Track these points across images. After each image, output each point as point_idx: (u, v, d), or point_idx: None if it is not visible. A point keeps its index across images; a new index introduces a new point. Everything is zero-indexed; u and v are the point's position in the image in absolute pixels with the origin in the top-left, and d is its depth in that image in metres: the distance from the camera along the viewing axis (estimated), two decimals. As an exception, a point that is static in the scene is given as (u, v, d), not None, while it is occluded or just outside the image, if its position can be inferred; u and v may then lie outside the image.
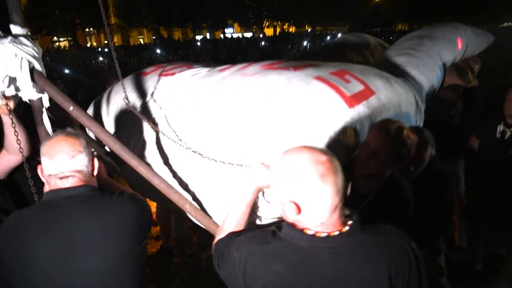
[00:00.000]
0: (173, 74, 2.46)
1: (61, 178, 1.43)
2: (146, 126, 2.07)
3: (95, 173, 1.54)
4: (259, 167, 1.47)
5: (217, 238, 1.44)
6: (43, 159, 1.45)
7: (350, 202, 1.81)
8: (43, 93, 1.74)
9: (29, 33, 1.71)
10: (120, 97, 2.32)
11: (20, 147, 1.75)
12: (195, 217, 1.75)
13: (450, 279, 2.72)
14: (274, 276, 1.16)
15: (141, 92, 2.41)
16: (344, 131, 1.78)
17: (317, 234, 1.14)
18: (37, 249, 1.34)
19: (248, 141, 1.75)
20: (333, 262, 1.13)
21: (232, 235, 1.36)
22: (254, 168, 1.49)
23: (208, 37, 41.79)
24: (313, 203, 1.12)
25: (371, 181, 1.82)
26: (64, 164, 1.42)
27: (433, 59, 3.03)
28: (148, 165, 1.81)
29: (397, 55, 3.02)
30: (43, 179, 1.50)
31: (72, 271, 1.35)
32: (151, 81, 2.48)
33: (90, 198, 1.45)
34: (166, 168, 1.93)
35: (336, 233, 1.15)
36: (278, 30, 41.34)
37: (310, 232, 1.15)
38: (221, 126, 1.84)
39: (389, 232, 1.23)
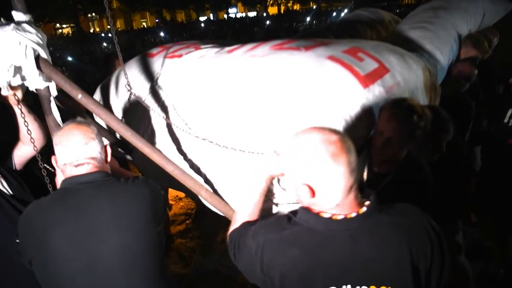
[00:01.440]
0: (180, 56, 2.39)
1: (76, 165, 1.44)
2: (154, 113, 2.03)
3: (109, 159, 1.55)
4: (271, 154, 1.43)
5: (231, 229, 1.41)
6: (57, 149, 1.46)
7: (368, 183, 1.79)
8: (50, 81, 1.69)
9: (32, 19, 1.66)
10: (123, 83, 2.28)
11: (31, 138, 1.74)
12: (211, 203, 1.72)
13: (467, 256, 2.69)
14: (291, 262, 1.13)
15: (148, 76, 2.35)
16: (359, 112, 1.72)
17: (334, 217, 1.12)
18: (58, 235, 1.36)
19: (260, 127, 1.71)
20: (351, 244, 1.10)
21: (247, 224, 1.33)
22: (266, 156, 1.45)
23: (211, 18, 41.19)
24: (327, 185, 1.09)
25: (388, 163, 1.78)
26: (78, 152, 1.43)
27: (448, 31, 2.90)
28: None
29: (410, 29, 2.90)
30: (57, 169, 1.51)
31: (93, 255, 1.37)
32: (157, 64, 2.41)
33: (106, 182, 1.47)
34: (177, 154, 1.90)
35: (353, 214, 1.12)
36: (282, 8, 40.56)
37: (326, 215, 1.12)
38: (231, 111, 1.79)
39: (408, 211, 1.19)
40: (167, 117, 1.97)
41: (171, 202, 4.51)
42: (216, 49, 2.33)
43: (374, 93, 1.79)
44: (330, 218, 1.12)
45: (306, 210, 1.16)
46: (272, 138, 1.66)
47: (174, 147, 1.92)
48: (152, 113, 2.06)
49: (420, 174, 1.77)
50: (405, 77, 2.01)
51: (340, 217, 1.11)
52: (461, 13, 3.07)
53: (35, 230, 1.39)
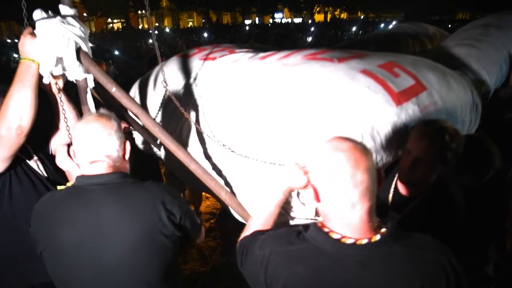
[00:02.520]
0: (214, 58, 2.42)
1: (91, 162, 1.42)
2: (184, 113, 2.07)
3: (127, 156, 1.52)
4: (294, 167, 1.41)
5: (242, 235, 1.40)
6: (74, 141, 1.45)
7: (393, 206, 1.72)
8: (88, 73, 1.77)
9: (84, 14, 1.73)
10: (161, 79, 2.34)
11: (67, 125, 1.81)
12: (230, 205, 1.73)
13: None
14: (295, 278, 1.10)
15: (181, 76, 2.41)
16: (389, 130, 1.66)
17: (343, 240, 1.08)
18: (66, 232, 1.36)
19: (286, 138, 1.68)
20: (359, 272, 1.05)
21: (257, 233, 1.32)
22: (288, 168, 1.43)
23: (257, 21, 41.57)
24: (328, 192, 1.09)
25: (416, 187, 1.68)
26: (94, 148, 1.41)
27: (499, 51, 2.75)
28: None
29: (456, 45, 2.78)
30: (75, 162, 1.51)
31: (100, 256, 1.36)
32: (192, 65, 2.46)
33: (119, 185, 1.43)
34: (201, 155, 1.92)
35: (364, 241, 1.06)
36: (329, 16, 40.26)
37: (335, 236, 1.09)
38: (257, 121, 1.78)
39: (427, 245, 1.11)
40: (196, 119, 2.00)
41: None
42: (250, 55, 2.34)
43: (407, 111, 1.72)
44: (339, 240, 1.08)
45: (317, 227, 1.13)
46: (298, 150, 1.63)
47: (199, 147, 1.94)
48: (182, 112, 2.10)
49: (451, 203, 1.66)
50: (443, 96, 1.91)
51: (350, 241, 1.07)
52: (514, 33, 2.91)
53: (45, 224, 1.40)
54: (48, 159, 1.89)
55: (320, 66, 1.89)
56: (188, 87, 2.29)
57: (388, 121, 1.67)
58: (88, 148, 1.41)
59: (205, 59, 2.45)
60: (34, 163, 1.84)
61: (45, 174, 1.86)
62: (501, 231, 2.54)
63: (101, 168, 1.43)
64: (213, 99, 2.04)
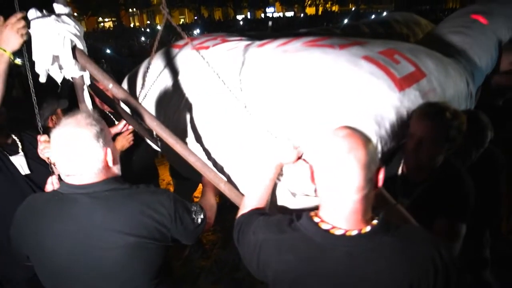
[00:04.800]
0: (207, 47, 2.37)
1: (72, 175, 1.34)
2: (180, 105, 2.07)
3: (112, 163, 1.40)
4: (284, 142, 1.46)
5: (239, 213, 1.44)
6: (52, 151, 1.36)
7: (401, 191, 1.75)
8: (85, 71, 1.78)
9: (75, 13, 1.75)
10: (154, 72, 2.33)
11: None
12: (230, 196, 1.76)
13: (494, 270, 2.59)
14: (285, 265, 1.14)
15: (174, 67, 2.36)
16: (392, 116, 1.67)
17: (332, 231, 1.09)
18: (52, 242, 1.33)
19: (290, 123, 1.67)
20: (347, 261, 1.07)
21: (253, 213, 1.36)
22: (278, 143, 1.48)
23: (249, 16, 41.42)
24: (321, 176, 1.10)
25: (422, 170, 1.71)
26: (75, 163, 1.31)
27: (489, 38, 2.77)
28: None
29: (448, 33, 2.79)
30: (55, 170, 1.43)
31: (88, 265, 1.34)
32: (182, 55, 2.41)
33: (104, 195, 1.36)
34: (198, 147, 1.93)
35: (354, 232, 1.07)
36: (320, 9, 40.17)
37: (325, 227, 1.10)
38: (260, 109, 1.77)
39: (415, 237, 1.13)
40: (189, 108, 2.00)
41: (195, 196, 4.59)
42: (246, 42, 2.30)
43: (409, 97, 1.74)
44: (328, 231, 1.09)
45: (308, 217, 1.15)
46: (305, 136, 1.62)
47: (195, 138, 1.96)
48: (177, 104, 2.10)
49: (462, 187, 1.66)
50: (442, 83, 1.95)
51: (339, 232, 1.08)
52: (502, 19, 2.95)
53: (28, 231, 1.36)
54: (35, 154, 1.92)
55: (321, 53, 1.88)
56: (181, 78, 2.26)
57: (391, 106, 1.68)
58: (67, 162, 1.32)
59: (197, 49, 2.40)
60: (18, 158, 1.88)
61: (28, 171, 1.92)
62: (496, 214, 2.59)
63: (84, 179, 1.35)
64: (207, 87, 2.02)
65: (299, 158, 1.54)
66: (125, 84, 2.63)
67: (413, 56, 1.96)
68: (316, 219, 1.13)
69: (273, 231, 1.20)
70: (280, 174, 1.57)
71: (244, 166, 1.78)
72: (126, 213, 1.35)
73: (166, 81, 2.29)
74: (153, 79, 2.25)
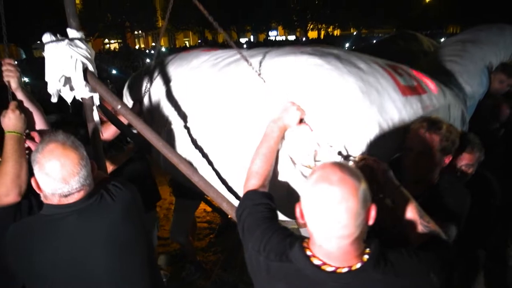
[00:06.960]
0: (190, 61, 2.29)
1: (67, 195, 1.38)
2: (170, 118, 2.11)
3: (94, 173, 1.49)
4: (288, 104, 1.50)
5: (247, 184, 1.47)
6: (39, 175, 1.35)
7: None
8: (95, 92, 1.86)
9: (84, 36, 1.84)
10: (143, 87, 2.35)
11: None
12: (232, 215, 1.78)
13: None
14: None
15: (161, 81, 2.31)
16: (393, 118, 1.71)
17: (323, 267, 1.09)
18: (44, 263, 1.39)
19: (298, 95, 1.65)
20: None
21: (258, 203, 1.38)
22: (283, 105, 1.52)
23: (252, 39, 42.11)
24: (309, 218, 1.08)
25: (420, 184, 1.75)
26: (67, 184, 1.35)
27: (478, 65, 2.88)
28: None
29: (440, 62, 2.91)
30: (40, 194, 1.41)
31: (82, 279, 1.41)
32: (171, 70, 2.34)
33: (91, 207, 1.43)
34: (195, 159, 1.97)
35: (345, 270, 1.08)
36: (322, 33, 40.84)
37: (316, 262, 1.10)
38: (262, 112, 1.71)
39: (407, 271, 1.12)
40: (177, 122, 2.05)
41: (196, 215, 4.60)
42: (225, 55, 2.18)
43: (411, 104, 1.79)
44: (319, 267, 1.09)
45: (301, 248, 1.14)
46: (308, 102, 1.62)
47: (190, 152, 1.98)
48: (167, 117, 2.14)
49: (459, 196, 1.72)
50: (441, 103, 2.03)
51: (330, 269, 1.09)
52: (491, 47, 3.06)
53: (21, 254, 1.39)
54: None
55: (327, 53, 1.86)
56: (167, 90, 2.22)
57: (393, 107, 1.72)
58: (61, 185, 1.35)
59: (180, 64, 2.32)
60: None
61: None
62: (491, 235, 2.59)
63: (77, 196, 1.41)
64: (191, 100, 2.04)
65: (301, 121, 1.57)
66: (125, 90, 2.63)
67: (414, 75, 2.05)
68: (308, 253, 1.13)
69: (270, 257, 1.21)
70: (282, 138, 1.59)
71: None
72: (110, 218, 1.45)
73: (155, 92, 2.29)
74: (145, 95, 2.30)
